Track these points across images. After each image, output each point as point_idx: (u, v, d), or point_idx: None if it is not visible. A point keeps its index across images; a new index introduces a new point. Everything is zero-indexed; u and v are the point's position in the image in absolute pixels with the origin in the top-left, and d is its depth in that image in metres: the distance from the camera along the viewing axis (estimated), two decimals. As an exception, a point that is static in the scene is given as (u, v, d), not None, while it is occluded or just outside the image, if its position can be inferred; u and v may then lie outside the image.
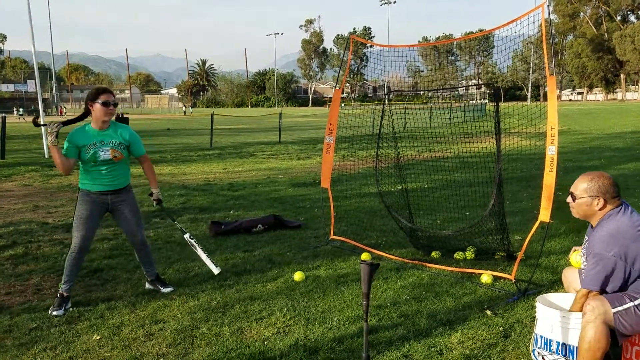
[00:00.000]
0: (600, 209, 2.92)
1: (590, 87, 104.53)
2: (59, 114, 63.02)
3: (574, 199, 3.00)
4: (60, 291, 4.18)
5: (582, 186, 2.96)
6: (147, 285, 4.60)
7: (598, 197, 2.90)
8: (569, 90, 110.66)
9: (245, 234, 6.38)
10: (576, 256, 3.31)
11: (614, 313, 2.67)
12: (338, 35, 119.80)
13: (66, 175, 4.10)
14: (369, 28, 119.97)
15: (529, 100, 74.25)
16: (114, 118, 4.32)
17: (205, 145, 19.84)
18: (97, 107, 4.09)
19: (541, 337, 2.98)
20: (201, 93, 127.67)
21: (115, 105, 4.23)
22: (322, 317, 3.94)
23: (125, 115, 18.19)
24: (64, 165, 4.13)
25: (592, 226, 3.04)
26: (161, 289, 4.53)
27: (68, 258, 4.19)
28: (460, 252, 5.38)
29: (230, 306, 4.17)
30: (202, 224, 6.96)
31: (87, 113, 4.18)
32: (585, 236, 3.17)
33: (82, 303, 4.23)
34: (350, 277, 4.82)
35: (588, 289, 2.85)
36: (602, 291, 2.82)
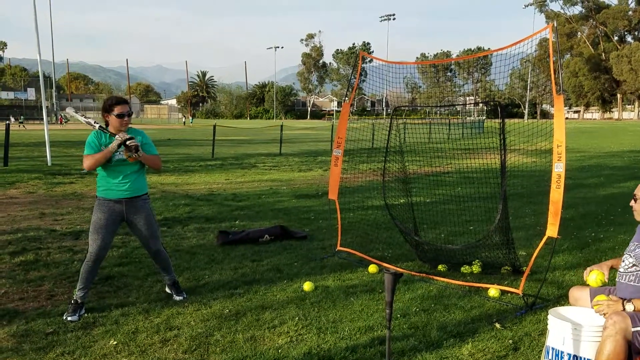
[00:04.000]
0: None
1: (587, 106, 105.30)
2: (59, 122, 63.09)
3: (636, 200, 3.16)
4: (74, 297, 4.23)
5: None
6: (166, 289, 4.70)
7: None
8: (566, 108, 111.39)
9: (252, 243, 6.44)
10: (593, 275, 3.35)
11: (633, 332, 2.74)
12: (337, 50, 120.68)
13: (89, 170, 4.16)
14: (369, 43, 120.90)
15: (526, 117, 74.69)
16: None
17: (207, 155, 19.93)
18: (112, 119, 4.17)
19: (552, 349, 3.05)
20: (200, 104, 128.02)
21: (130, 115, 4.29)
22: (333, 326, 4.01)
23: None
24: (97, 161, 4.13)
25: None
26: (174, 295, 4.59)
27: (84, 266, 4.24)
28: (467, 266, 5.46)
29: (243, 314, 4.23)
30: (209, 233, 7.02)
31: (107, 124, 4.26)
32: (635, 237, 3.25)
33: (96, 309, 4.29)
34: (359, 289, 4.88)
35: None
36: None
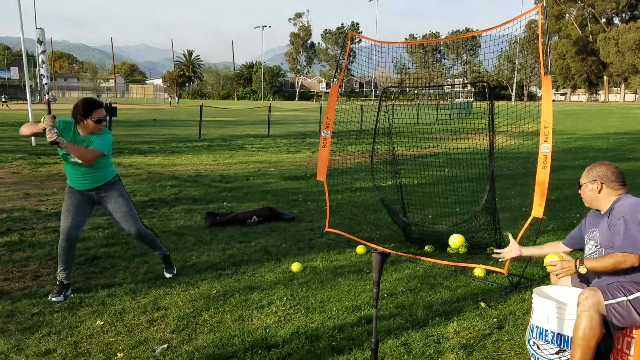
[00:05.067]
0: (599, 192, 3.17)
1: (574, 88, 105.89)
2: (42, 102, 62.08)
3: (579, 187, 3.31)
4: (59, 279, 4.19)
5: (584, 174, 3.30)
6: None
7: (596, 181, 3.19)
8: (553, 90, 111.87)
9: (240, 225, 6.43)
10: (551, 258, 3.40)
11: (606, 305, 2.79)
12: (326, 30, 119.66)
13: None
14: (357, 23, 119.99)
15: (513, 99, 74.92)
16: None
17: (194, 136, 19.79)
18: (89, 123, 4.05)
19: (537, 327, 3.09)
20: (187, 84, 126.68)
21: (105, 118, 4.19)
22: (321, 306, 4.03)
23: (113, 105, 18.01)
24: (28, 130, 4.03)
25: (599, 213, 3.22)
26: (164, 272, 4.64)
27: (59, 246, 4.19)
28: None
29: (230, 295, 4.24)
30: (196, 214, 7.00)
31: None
32: (584, 222, 3.39)
33: (82, 290, 4.27)
34: (347, 269, 4.91)
35: (632, 252, 2.86)
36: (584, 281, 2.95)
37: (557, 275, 3.21)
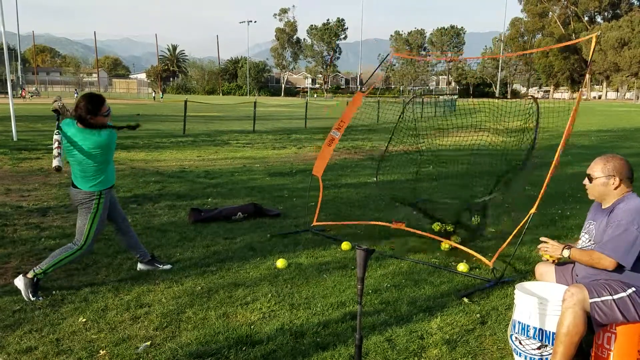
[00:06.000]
0: (616, 188, 3.07)
1: (557, 86, 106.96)
2: (21, 96, 61.10)
3: (590, 180, 3.16)
4: (38, 277, 4.07)
5: (598, 167, 3.13)
6: (140, 266, 4.67)
7: (614, 176, 3.07)
8: (536, 88, 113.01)
9: (225, 221, 6.41)
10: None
11: (591, 303, 2.83)
12: (312, 25, 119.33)
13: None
14: (343, 20, 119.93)
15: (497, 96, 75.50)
16: None
17: (178, 132, 19.64)
18: (99, 119, 4.01)
19: (519, 322, 3.13)
20: (171, 79, 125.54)
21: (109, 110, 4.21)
22: (306, 302, 4.04)
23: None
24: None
25: (600, 206, 3.19)
26: (159, 266, 4.68)
27: (72, 256, 4.13)
28: (446, 242, 5.53)
29: (215, 291, 4.22)
30: (180, 210, 6.96)
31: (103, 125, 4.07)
32: (588, 215, 3.33)
33: (65, 287, 4.22)
34: (332, 265, 4.92)
35: (609, 255, 2.90)
36: (619, 266, 2.91)
37: (544, 251, 3.28)
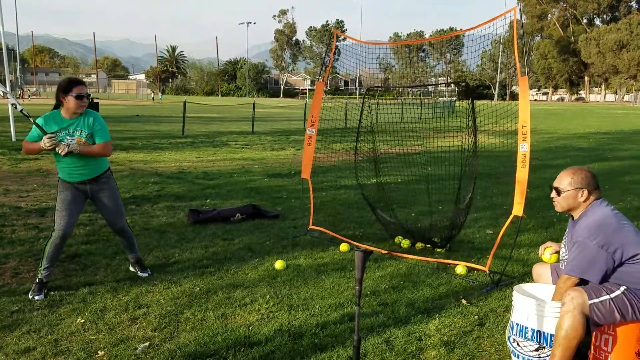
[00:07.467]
0: (584, 200, 3.09)
1: (555, 88, 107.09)
2: (20, 96, 61.06)
3: (559, 193, 3.15)
4: (39, 276, 4.13)
5: (566, 180, 3.13)
6: (130, 268, 4.65)
7: (582, 188, 3.08)
8: (535, 90, 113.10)
9: (224, 222, 6.41)
10: (547, 253, 3.52)
11: (590, 304, 2.84)
12: (311, 27, 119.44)
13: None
14: (342, 21, 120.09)
15: (496, 98, 75.63)
16: None
17: (177, 133, 19.64)
18: (69, 100, 4.00)
19: (517, 324, 3.13)
20: (170, 80, 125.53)
21: (88, 97, 4.19)
22: (304, 304, 4.04)
23: (95, 100, 17.78)
24: (29, 151, 4.09)
25: (573, 218, 3.21)
26: (138, 272, 4.59)
27: (50, 244, 4.14)
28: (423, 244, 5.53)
29: (213, 292, 4.22)
30: (179, 211, 6.96)
31: (58, 105, 4.09)
32: (568, 229, 3.32)
33: (63, 287, 4.22)
34: (330, 267, 4.93)
35: (569, 275, 2.98)
36: (582, 281, 2.97)
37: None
